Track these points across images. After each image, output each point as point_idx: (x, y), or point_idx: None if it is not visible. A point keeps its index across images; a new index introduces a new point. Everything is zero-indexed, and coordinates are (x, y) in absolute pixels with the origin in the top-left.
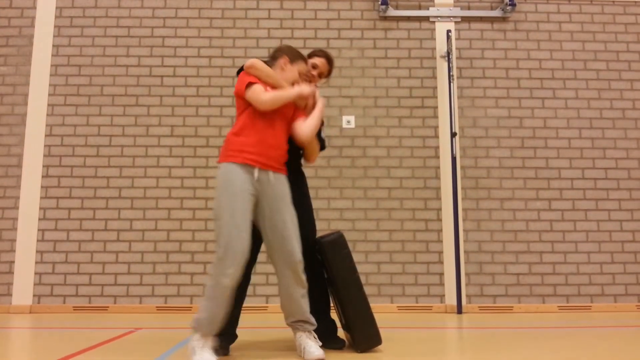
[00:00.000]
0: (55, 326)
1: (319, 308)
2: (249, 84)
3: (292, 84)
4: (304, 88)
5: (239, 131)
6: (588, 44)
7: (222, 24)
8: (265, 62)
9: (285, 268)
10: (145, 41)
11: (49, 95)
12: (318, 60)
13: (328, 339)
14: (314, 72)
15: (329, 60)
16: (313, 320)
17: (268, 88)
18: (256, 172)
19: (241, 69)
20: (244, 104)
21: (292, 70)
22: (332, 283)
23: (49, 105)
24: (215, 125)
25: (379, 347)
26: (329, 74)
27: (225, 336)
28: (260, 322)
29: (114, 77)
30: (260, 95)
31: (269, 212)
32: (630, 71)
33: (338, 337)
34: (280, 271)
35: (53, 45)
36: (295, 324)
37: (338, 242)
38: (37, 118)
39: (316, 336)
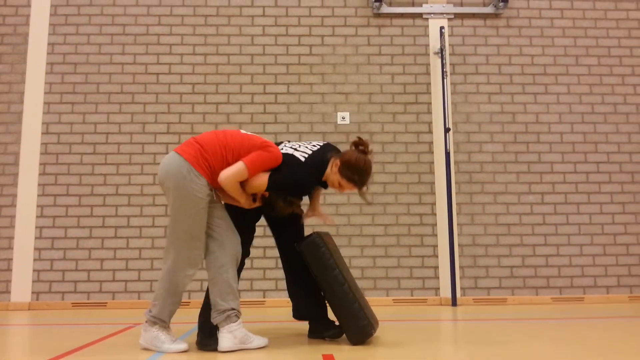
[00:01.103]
0: (54, 322)
1: (322, 311)
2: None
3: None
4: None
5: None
6: (580, 40)
7: (217, 22)
8: None
9: None
10: (140, 39)
11: (45, 93)
12: (348, 186)
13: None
14: (340, 190)
15: (358, 187)
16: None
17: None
18: None
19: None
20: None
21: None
22: (318, 283)
23: (44, 103)
24: (211, 122)
25: (374, 339)
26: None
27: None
28: (258, 316)
29: (109, 75)
30: (236, 175)
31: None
32: (621, 66)
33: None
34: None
35: (48, 44)
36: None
37: (313, 243)
38: (33, 116)
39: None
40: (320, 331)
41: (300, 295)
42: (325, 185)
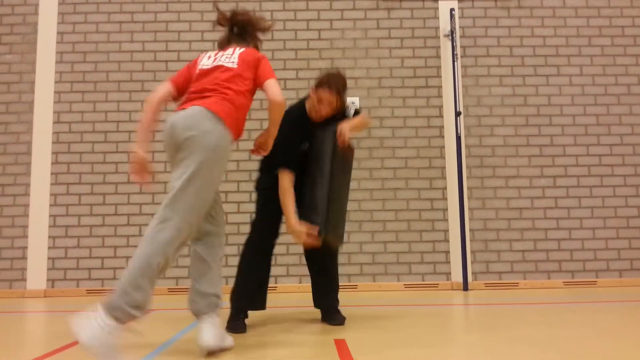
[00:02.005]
0: (70, 309)
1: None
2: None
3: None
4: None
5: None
6: (592, 20)
7: (225, 7)
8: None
9: None
10: (149, 26)
11: (55, 82)
12: (323, 93)
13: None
14: (323, 108)
15: (332, 87)
16: None
17: None
18: None
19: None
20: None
21: (260, 42)
22: (323, 175)
23: (55, 92)
24: None
25: (385, 325)
26: (342, 103)
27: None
28: (270, 302)
29: (119, 63)
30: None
31: None
32: (635, 46)
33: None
34: None
35: (57, 32)
36: None
37: (332, 134)
38: (45, 105)
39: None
40: (327, 319)
41: (316, 286)
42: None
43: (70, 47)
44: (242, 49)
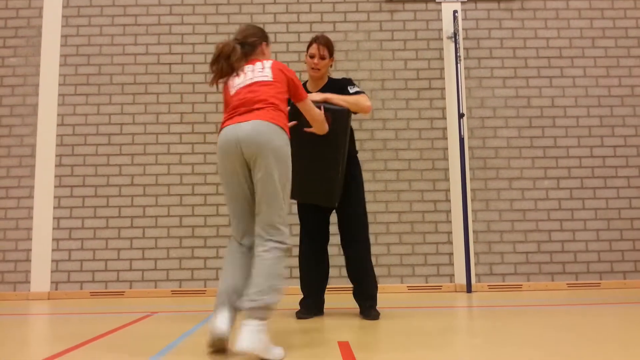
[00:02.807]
0: (73, 312)
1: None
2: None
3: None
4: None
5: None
6: (596, 21)
7: (228, 10)
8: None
9: None
10: (152, 29)
11: (59, 85)
12: (312, 49)
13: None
14: (315, 61)
15: (318, 40)
16: None
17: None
18: None
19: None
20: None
21: (269, 51)
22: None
23: (59, 95)
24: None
25: (388, 325)
26: (330, 53)
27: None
28: None
29: (122, 66)
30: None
31: None
32: (639, 48)
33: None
34: None
35: (62, 35)
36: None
37: (346, 114)
38: (49, 108)
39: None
40: (362, 312)
41: (355, 280)
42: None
43: (74, 50)
44: (270, 62)
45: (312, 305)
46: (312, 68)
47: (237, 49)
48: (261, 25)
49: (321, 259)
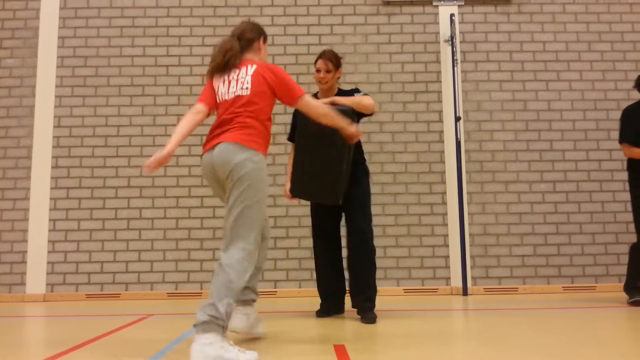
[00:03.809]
0: (69, 314)
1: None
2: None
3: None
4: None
5: (269, 121)
6: (592, 25)
7: (226, 12)
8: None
9: None
10: (149, 31)
11: (56, 86)
12: (318, 64)
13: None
14: (321, 75)
15: (324, 56)
16: None
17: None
18: None
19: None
20: (273, 102)
21: (265, 48)
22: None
23: (56, 96)
24: None
25: (385, 329)
26: (336, 66)
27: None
28: (270, 307)
29: (119, 68)
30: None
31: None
32: (635, 52)
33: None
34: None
35: (58, 37)
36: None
37: (351, 113)
38: (45, 110)
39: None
40: (360, 313)
41: (353, 287)
42: None
43: (71, 52)
44: (254, 67)
45: (330, 305)
46: (319, 82)
47: (235, 45)
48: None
49: (334, 260)
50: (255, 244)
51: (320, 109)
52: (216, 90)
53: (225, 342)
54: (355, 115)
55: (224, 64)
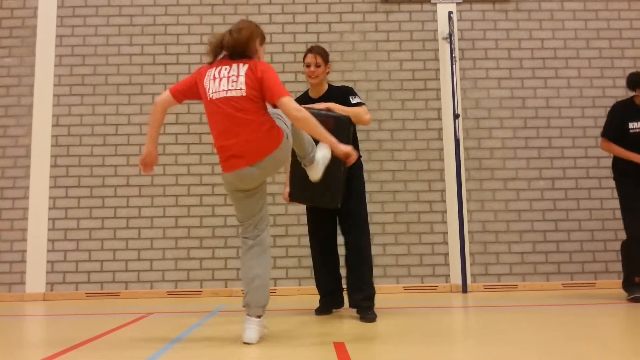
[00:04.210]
0: (69, 313)
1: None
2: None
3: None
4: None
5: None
6: (590, 23)
7: (224, 10)
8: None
9: None
10: (147, 29)
11: (54, 85)
12: (307, 59)
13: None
14: (311, 69)
15: (312, 50)
16: None
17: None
18: None
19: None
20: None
21: (262, 50)
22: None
23: (54, 95)
24: None
25: (384, 326)
26: (325, 61)
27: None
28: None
29: (118, 67)
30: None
31: None
32: (633, 49)
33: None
34: None
35: (56, 36)
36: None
37: (347, 122)
38: (44, 108)
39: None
40: (359, 312)
41: (351, 286)
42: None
43: (69, 50)
44: (246, 66)
45: (330, 302)
46: (310, 76)
47: (231, 40)
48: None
49: (331, 261)
50: None
51: (299, 112)
52: (206, 88)
53: None
54: (351, 124)
55: (216, 54)
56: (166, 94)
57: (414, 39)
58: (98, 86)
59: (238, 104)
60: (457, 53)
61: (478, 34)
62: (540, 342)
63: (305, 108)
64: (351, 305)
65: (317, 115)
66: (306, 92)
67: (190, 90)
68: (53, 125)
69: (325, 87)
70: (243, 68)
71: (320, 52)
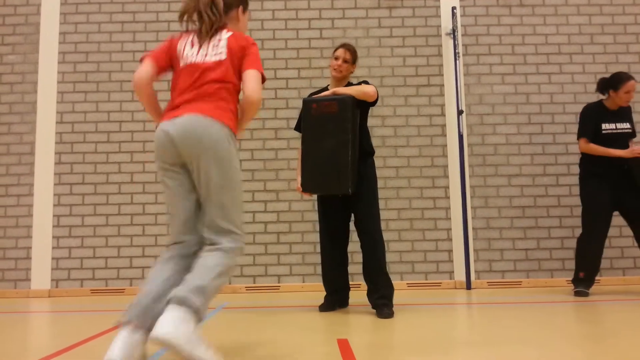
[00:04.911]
0: (74, 309)
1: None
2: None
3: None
4: None
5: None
6: (595, 18)
7: None
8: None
9: None
10: (150, 26)
11: (58, 82)
12: (338, 52)
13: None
14: (338, 63)
15: (345, 46)
16: None
17: None
18: None
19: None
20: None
21: (245, 19)
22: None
23: (58, 92)
24: None
25: (389, 323)
26: (353, 59)
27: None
28: (273, 301)
29: (121, 63)
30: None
31: None
32: (637, 44)
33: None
34: None
35: (60, 33)
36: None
37: (350, 102)
38: (48, 105)
39: None
40: (375, 309)
41: (370, 281)
42: None
43: (72, 47)
44: (229, 33)
45: (335, 300)
46: (334, 69)
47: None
48: (260, 22)
49: (340, 257)
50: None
51: (255, 93)
52: (180, 51)
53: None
54: (355, 104)
55: (196, 18)
56: (146, 64)
57: (417, 35)
58: (101, 83)
59: (218, 68)
60: (460, 49)
61: (482, 29)
62: (544, 339)
63: (312, 97)
64: (372, 306)
65: (321, 100)
66: (326, 87)
67: (170, 51)
68: (57, 123)
69: (345, 83)
70: (226, 34)
71: (351, 50)
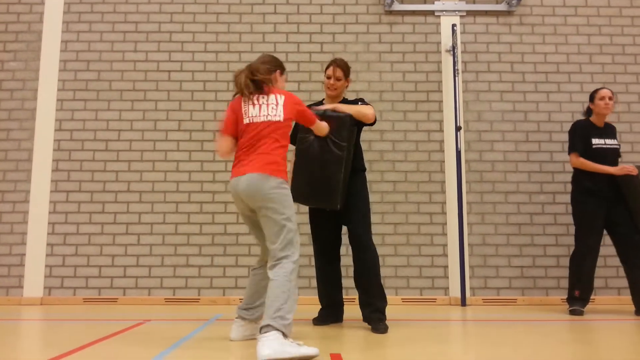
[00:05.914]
0: (66, 318)
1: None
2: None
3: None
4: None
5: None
6: (594, 37)
7: (228, 19)
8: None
9: None
10: (152, 36)
11: (58, 90)
12: (328, 71)
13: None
14: (331, 82)
15: (334, 63)
16: None
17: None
18: None
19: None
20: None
21: (282, 80)
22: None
23: (58, 100)
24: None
25: (383, 338)
26: (345, 75)
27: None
28: None
29: (122, 72)
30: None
31: None
32: (636, 64)
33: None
34: None
35: (62, 41)
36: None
37: (348, 121)
38: (47, 113)
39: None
40: (370, 324)
41: (360, 301)
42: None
43: (74, 56)
44: (283, 97)
45: (329, 314)
46: (328, 88)
47: (250, 85)
48: (261, 35)
49: (333, 271)
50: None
51: (322, 127)
52: (243, 112)
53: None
54: (353, 122)
55: (253, 85)
56: (225, 140)
57: (417, 51)
58: (102, 92)
59: (273, 128)
60: (459, 65)
61: (481, 46)
62: (540, 358)
63: (311, 108)
64: (364, 319)
65: (320, 114)
66: (321, 101)
67: (234, 115)
68: (56, 130)
69: (341, 99)
70: (281, 99)
71: (341, 66)
